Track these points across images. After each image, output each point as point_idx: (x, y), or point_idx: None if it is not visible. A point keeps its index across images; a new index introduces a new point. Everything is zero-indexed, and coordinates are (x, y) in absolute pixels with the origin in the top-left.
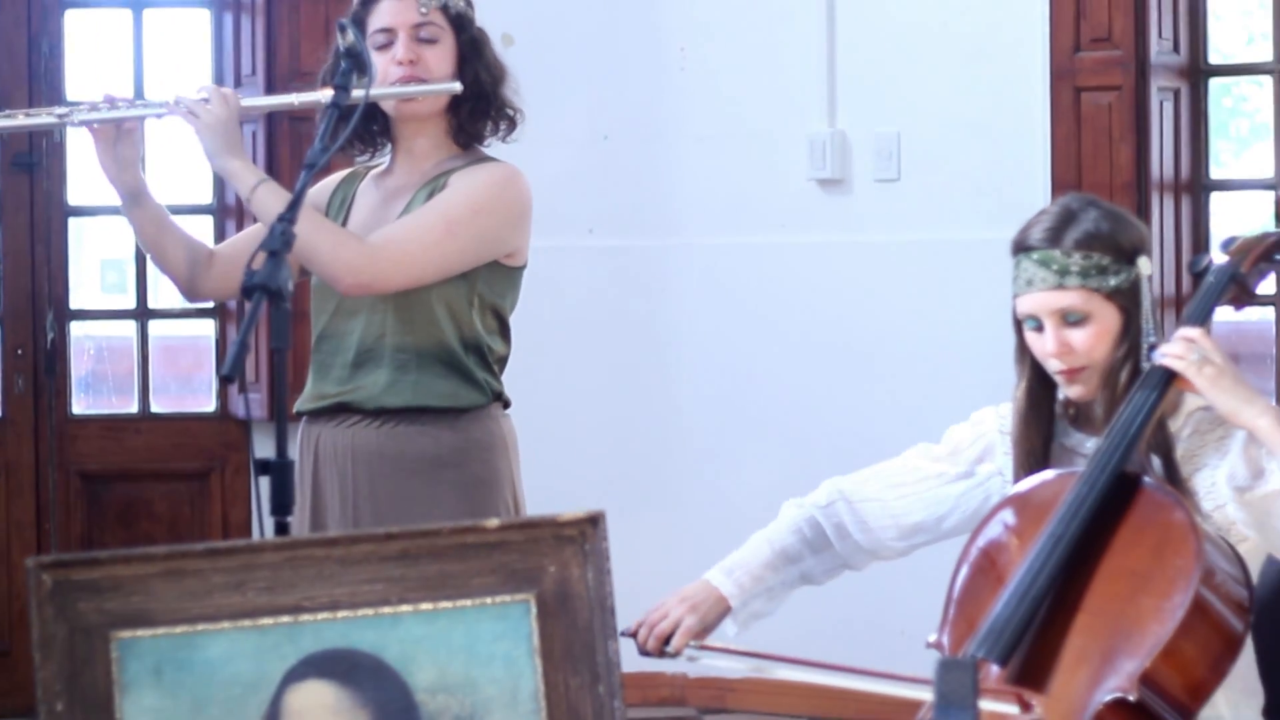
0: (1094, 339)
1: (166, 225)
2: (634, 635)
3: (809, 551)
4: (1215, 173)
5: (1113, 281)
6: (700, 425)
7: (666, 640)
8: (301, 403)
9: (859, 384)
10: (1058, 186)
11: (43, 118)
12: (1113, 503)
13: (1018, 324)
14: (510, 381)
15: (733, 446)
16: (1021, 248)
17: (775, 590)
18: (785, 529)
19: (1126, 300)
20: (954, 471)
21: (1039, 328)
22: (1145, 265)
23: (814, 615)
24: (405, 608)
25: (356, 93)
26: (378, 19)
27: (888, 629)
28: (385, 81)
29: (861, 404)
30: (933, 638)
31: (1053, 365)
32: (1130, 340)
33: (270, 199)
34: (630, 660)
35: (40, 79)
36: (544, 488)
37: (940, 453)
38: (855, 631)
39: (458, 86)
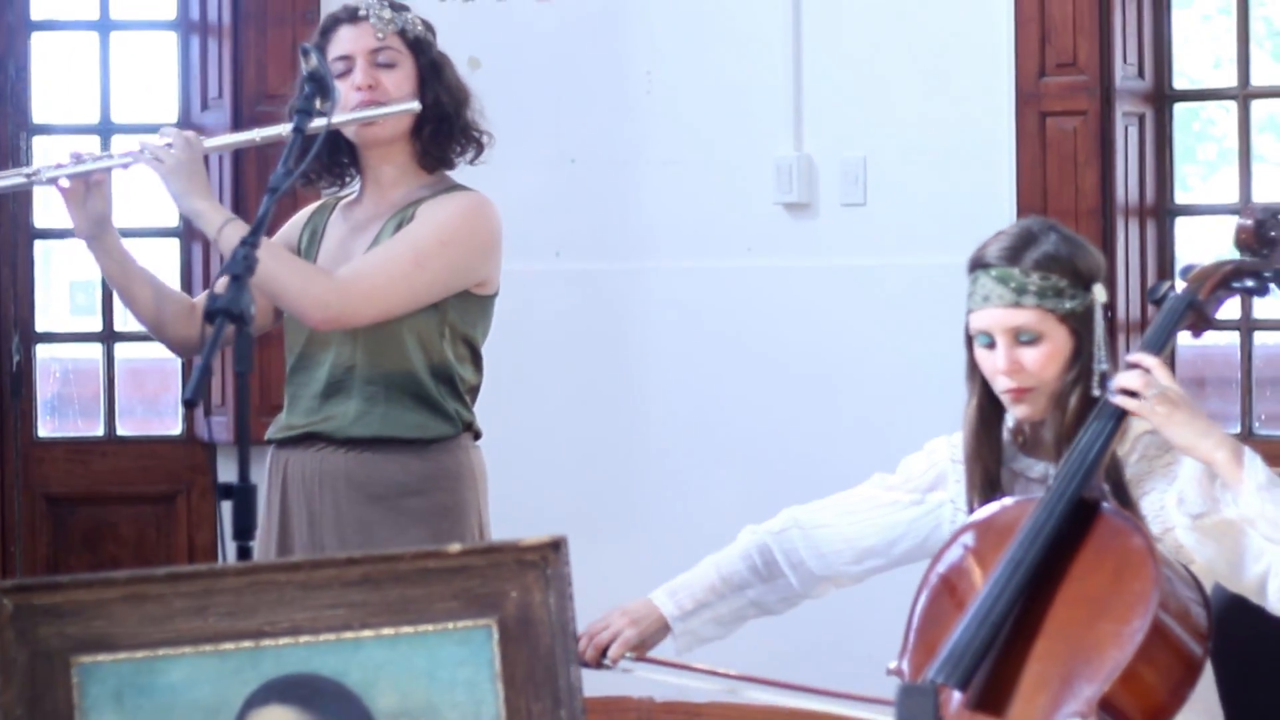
0: (1044, 359)
1: (155, 283)
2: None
3: (757, 579)
4: (1181, 197)
5: (1068, 305)
6: (666, 449)
7: (604, 651)
8: (272, 431)
9: (825, 408)
10: (1023, 211)
11: (12, 179)
12: (1072, 528)
13: (969, 340)
14: (477, 405)
15: (699, 470)
16: (979, 264)
17: (723, 617)
18: (735, 555)
19: (1079, 325)
20: (907, 499)
21: (991, 344)
22: (1100, 293)
23: (780, 638)
24: (367, 632)
25: (317, 121)
26: (336, 47)
27: (854, 654)
28: (345, 108)
29: (827, 428)
30: (893, 664)
31: (1001, 383)
32: (1081, 365)
33: (237, 237)
34: (598, 684)
35: (7, 101)
36: (510, 512)
37: (894, 481)
38: (821, 655)
39: (416, 105)
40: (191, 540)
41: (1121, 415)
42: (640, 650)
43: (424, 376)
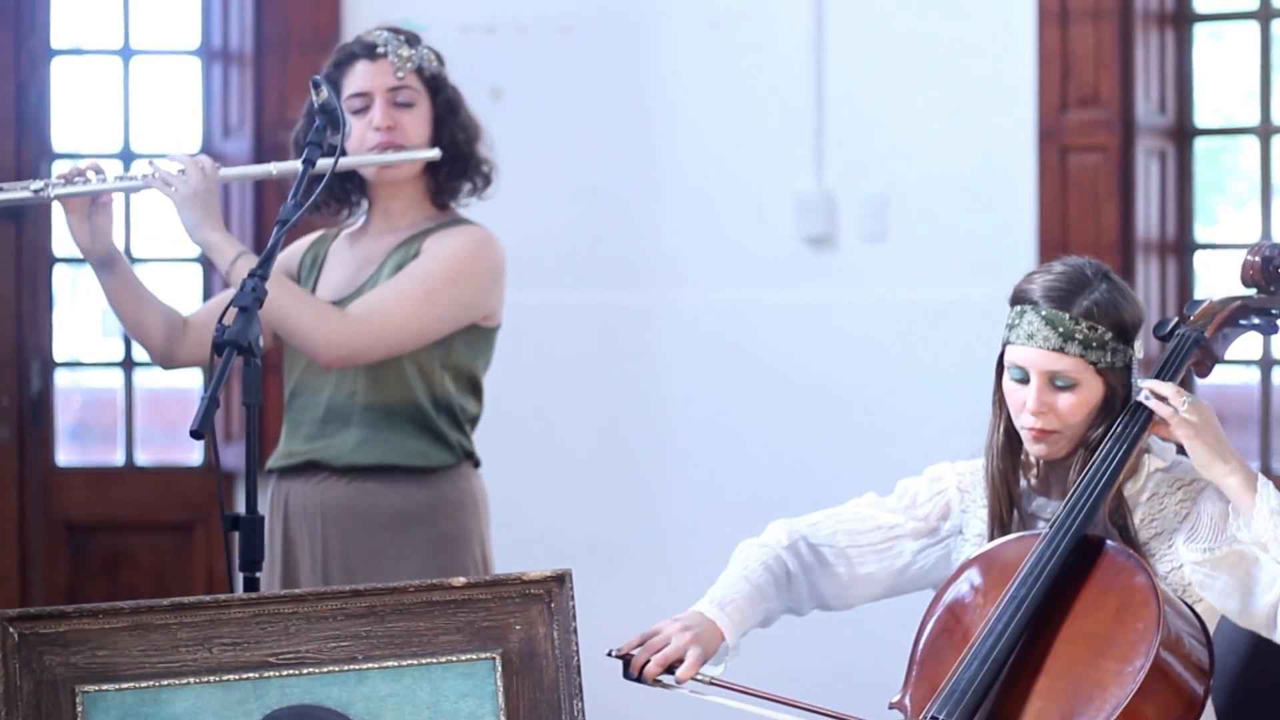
0: (1074, 407)
1: (144, 294)
2: (623, 658)
3: (777, 591)
4: (1210, 231)
5: (1109, 358)
6: (687, 480)
7: (669, 668)
8: (273, 460)
9: (845, 442)
10: (1044, 246)
11: (17, 192)
12: (1076, 565)
13: (1000, 368)
14: (496, 436)
15: (719, 501)
16: (1028, 300)
17: (751, 629)
18: (757, 565)
19: (1114, 379)
20: (911, 526)
21: (1023, 380)
22: (1139, 349)
23: (789, 659)
24: (371, 665)
25: (328, 161)
26: (353, 82)
27: (862, 679)
28: (363, 147)
29: (848, 462)
30: (896, 698)
31: (1025, 420)
32: (1109, 420)
33: None
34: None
35: (28, 127)
36: (530, 543)
37: (894, 504)
38: (829, 678)
39: (436, 153)
40: (210, 569)
41: (1138, 435)
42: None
43: (426, 406)
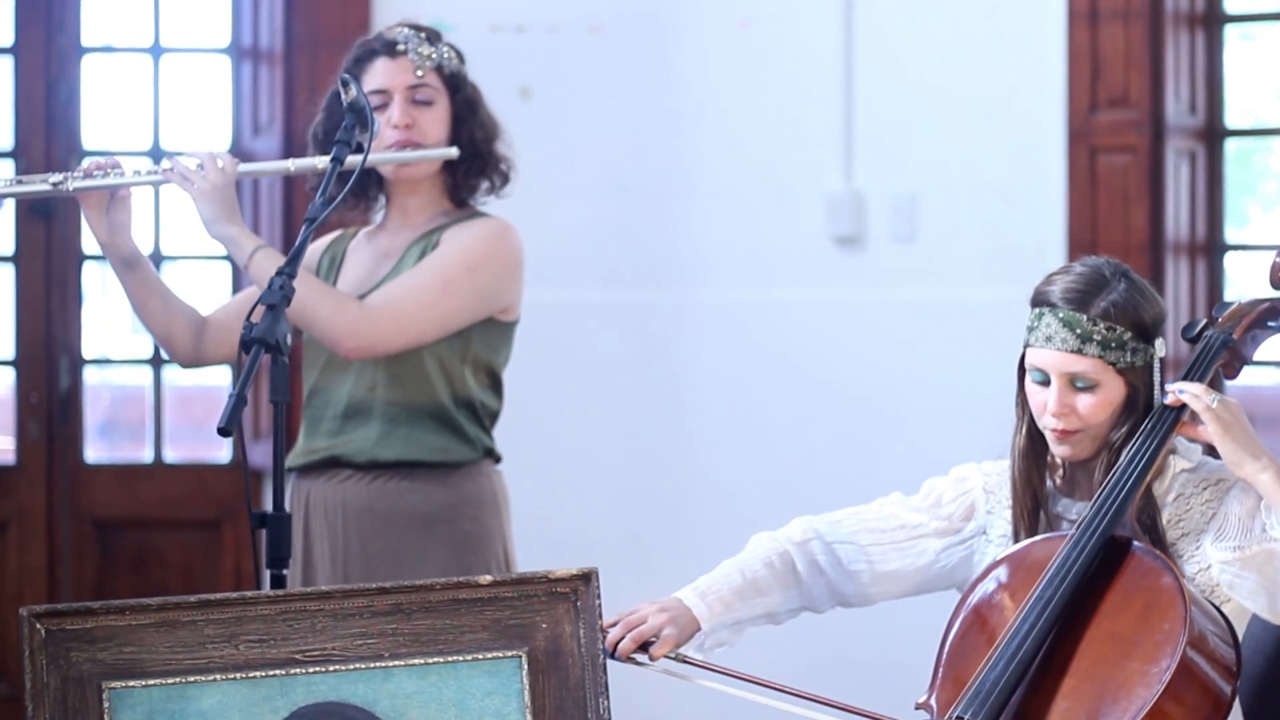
0: (1096, 408)
1: (166, 294)
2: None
3: (777, 586)
4: (1241, 233)
5: (1129, 358)
6: (715, 478)
7: (643, 646)
8: (292, 458)
9: (874, 441)
10: (1073, 247)
11: (36, 185)
12: (1102, 566)
13: (1021, 371)
14: (524, 435)
15: (747, 500)
16: (1045, 302)
17: (740, 622)
18: (757, 560)
19: (1135, 378)
20: (935, 525)
21: (1044, 382)
22: (1161, 347)
23: (812, 653)
24: (397, 662)
25: (354, 158)
26: (372, 79)
27: (888, 675)
28: (381, 143)
29: (876, 461)
30: (922, 698)
31: (1048, 422)
32: (1133, 419)
33: (268, 264)
34: (648, 716)
35: (58, 125)
36: (559, 541)
37: (919, 503)
38: (855, 674)
39: (454, 152)
40: (238, 566)
41: (1167, 434)
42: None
43: (446, 402)
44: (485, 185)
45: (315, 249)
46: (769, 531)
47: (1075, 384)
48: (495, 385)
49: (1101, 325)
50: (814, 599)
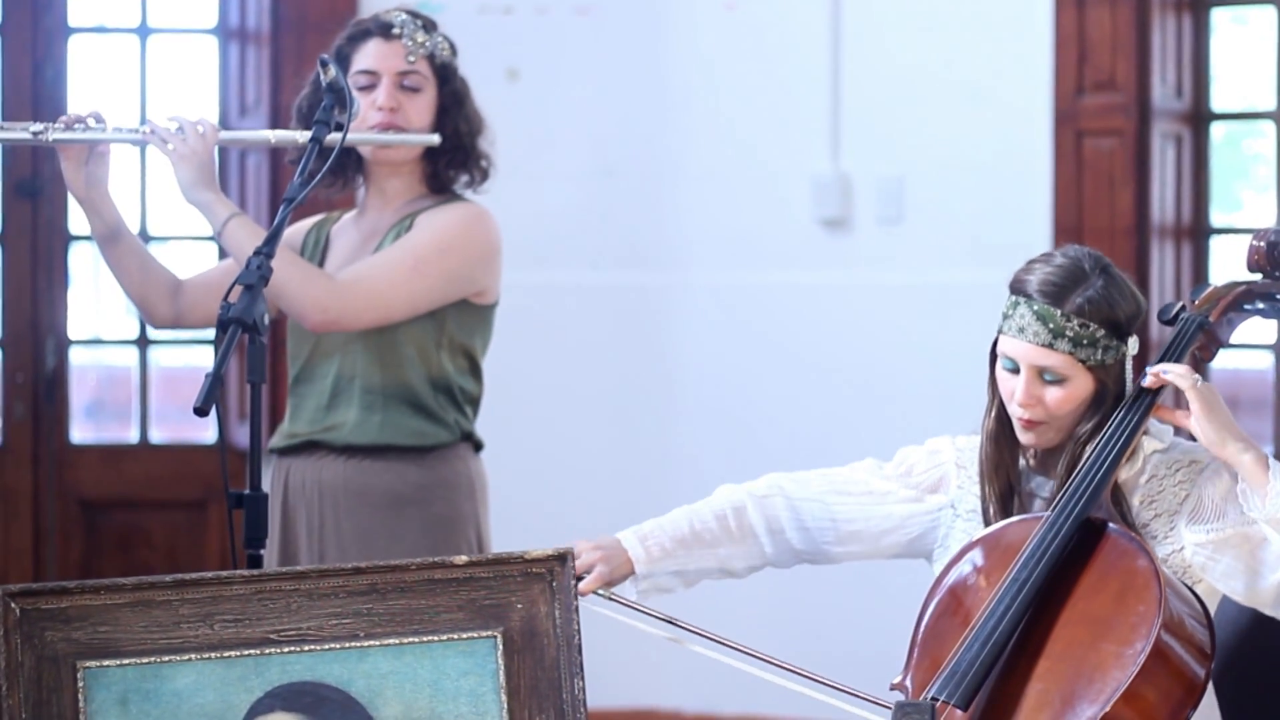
0: (1063, 401)
1: (145, 255)
2: None
3: (728, 539)
4: (1233, 216)
5: (1100, 356)
6: (702, 461)
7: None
8: (275, 440)
9: (860, 423)
10: (1060, 230)
11: (16, 133)
12: (1078, 548)
13: (994, 353)
14: (510, 418)
15: (734, 482)
16: (1023, 291)
17: (687, 571)
18: (708, 512)
19: (1105, 375)
20: (904, 494)
21: (1014, 370)
22: (1134, 345)
23: (790, 624)
24: (372, 642)
25: (334, 136)
26: (362, 59)
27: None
28: (364, 124)
29: (862, 443)
30: (897, 678)
31: (1015, 410)
32: (1100, 414)
33: (242, 233)
34: (626, 696)
35: (45, 104)
36: (544, 526)
37: (891, 471)
38: (832, 647)
39: (436, 139)
40: (223, 547)
41: (1144, 414)
42: (607, 588)
43: (421, 387)
44: (465, 179)
45: (298, 230)
46: (734, 484)
47: (1044, 376)
48: (474, 369)
49: (1075, 322)
50: (771, 555)
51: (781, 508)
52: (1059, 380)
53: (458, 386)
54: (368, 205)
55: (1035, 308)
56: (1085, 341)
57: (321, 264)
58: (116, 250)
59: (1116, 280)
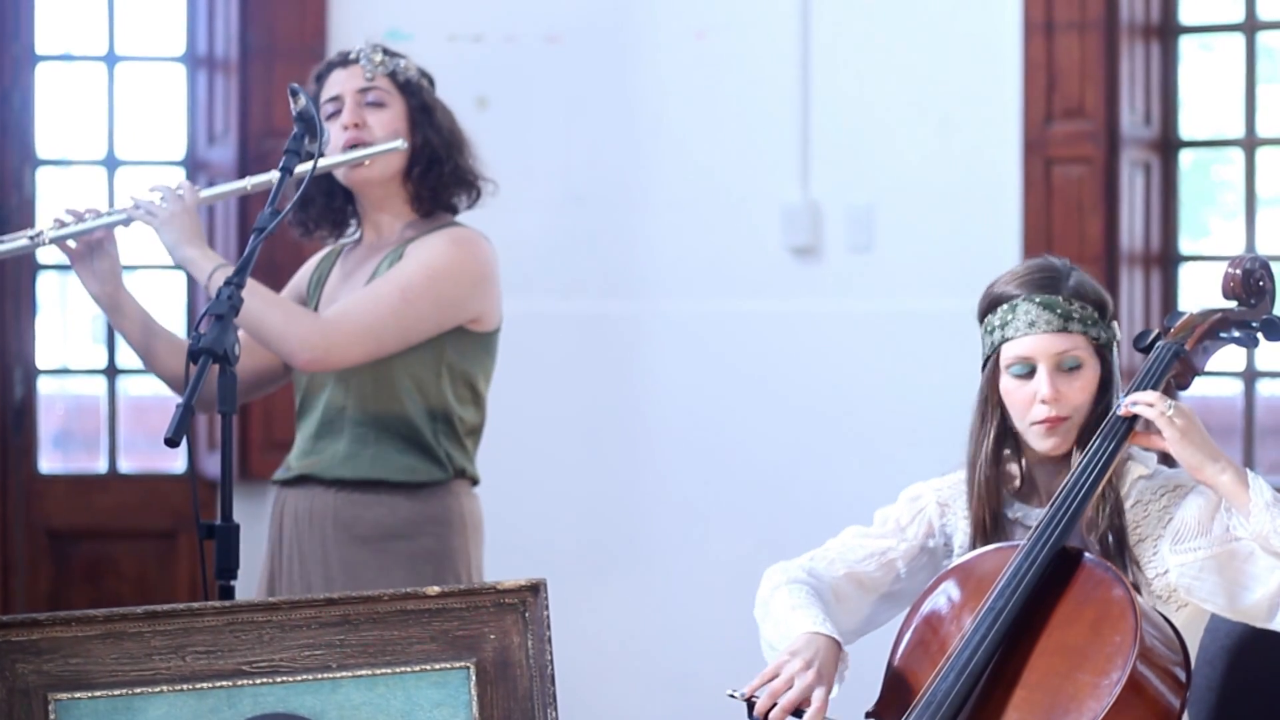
0: (1081, 390)
1: (154, 329)
2: (747, 701)
3: (833, 601)
4: (1202, 244)
5: (1104, 335)
6: (673, 490)
7: (797, 712)
8: (276, 473)
9: (831, 452)
10: (1029, 257)
11: (18, 242)
12: (1053, 577)
13: (993, 375)
14: (481, 445)
15: (706, 512)
16: (1009, 297)
17: (847, 634)
18: (800, 590)
19: (1107, 357)
20: (902, 547)
21: (1027, 374)
22: (1117, 330)
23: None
24: (345, 674)
25: (303, 166)
26: (328, 89)
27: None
28: (334, 149)
29: (834, 472)
30: (873, 709)
31: (1038, 412)
32: (1104, 402)
33: None
34: None
35: (12, 133)
36: (515, 555)
37: (879, 531)
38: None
39: (400, 144)
40: (194, 577)
41: (1120, 442)
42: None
43: (418, 419)
44: (451, 194)
45: (305, 270)
46: (767, 585)
47: (1063, 365)
48: (475, 399)
49: (1076, 304)
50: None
51: (823, 589)
52: (1077, 366)
53: (458, 417)
54: (363, 240)
55: (1038, 299)
56: (1090, 321)
57: (319, 298)
58: (144, 338)
59: (1084, 272)
